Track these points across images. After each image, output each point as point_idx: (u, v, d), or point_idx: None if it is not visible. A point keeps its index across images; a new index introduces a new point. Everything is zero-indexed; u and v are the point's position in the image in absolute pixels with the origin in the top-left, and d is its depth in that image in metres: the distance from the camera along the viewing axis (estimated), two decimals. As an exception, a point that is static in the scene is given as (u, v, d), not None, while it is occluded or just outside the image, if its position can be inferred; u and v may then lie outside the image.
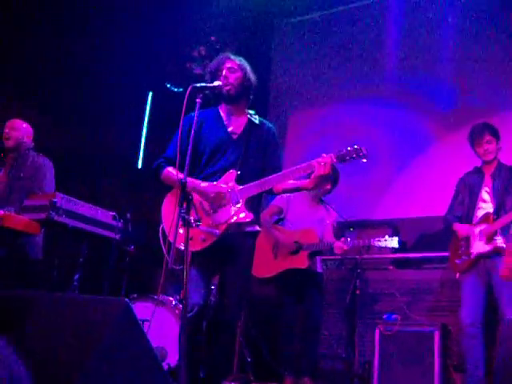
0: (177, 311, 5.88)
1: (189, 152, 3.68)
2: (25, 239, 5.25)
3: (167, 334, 5.59)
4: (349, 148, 3.84)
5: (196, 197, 3.98)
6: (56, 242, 5.48)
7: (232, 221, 3.96)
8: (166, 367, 5.47)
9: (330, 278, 6.70)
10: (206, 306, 4.07)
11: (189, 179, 3.63)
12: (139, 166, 9.00)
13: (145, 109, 9.15)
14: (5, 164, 5.73)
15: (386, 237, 5.66)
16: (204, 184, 4.03)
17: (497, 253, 5.16)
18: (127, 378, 2.76)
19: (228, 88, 4.13)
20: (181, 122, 3.82)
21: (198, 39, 8.32)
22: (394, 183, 7.68)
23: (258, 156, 4.19)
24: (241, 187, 4.00)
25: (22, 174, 5.59)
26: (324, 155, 3.86)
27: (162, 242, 4.06)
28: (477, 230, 5.31)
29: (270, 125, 4.40)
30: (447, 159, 7.15)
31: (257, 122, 4.28)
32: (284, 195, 6.08)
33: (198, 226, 3.58)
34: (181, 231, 3.57)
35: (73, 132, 7.57)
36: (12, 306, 3.06)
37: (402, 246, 6.48)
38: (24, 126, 5.85)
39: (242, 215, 3.97)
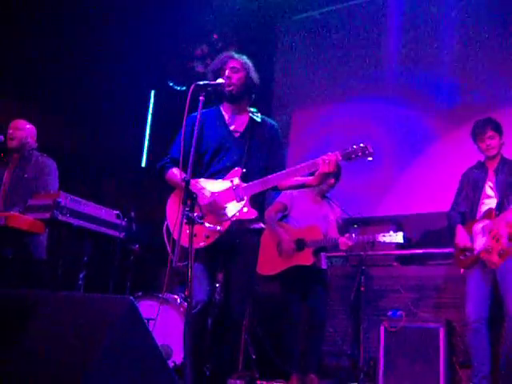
0: (182, 309, 5.89)
1: (192, 151, 3.68)
2: (29, 239, 5.26)
3: (172, 332, 5.60)
4: (354, 146, 3.83)
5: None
6: (60, 241, 5.48)
7: (236, 218, 3.96)
8: (171, 365, 5.48)
9: (335, 274, 6.71)
10: (211, 303, 4.07)
11: (191, 180, 3.64)
12: (143, 164, 9.02)
13: (148, 107, 9.17)
14: (9, 164, 5.74)
15: (391, 232, 5.66)
16: (207, 187, 4.02)
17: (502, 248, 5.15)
18: (132, 376, 2.76)
19: (231, 88, 4.13)
20: (184, 120, 3.83)
21: (201, 38, 8.33)
22: (397, 180, 7.68)
23: (261, 154, 4.19)
24: (245, 184, 4.00)
25: (26, 175, 5.60)
26: (329, 153, 3.86)
27: (166, 240, 4.06)
28: (480, 225, 5.29)
29: (273, 122, 4.40)
30: (450, 155, 7.14)
31: (259, 120, 4.27)
32: (288, 192, 6.08)
33: (201, 223, 3.59)
34: (187, 231, 3.57)
35: (76, 131, 7.58)
36: (17, 306, 3.06)
37: (407, 243, 6.48)
38: (28, 126, 5.86)
39: (245, 212, 3.97)
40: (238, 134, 4.20)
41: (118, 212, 5.63)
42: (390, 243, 5.71)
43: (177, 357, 5.57)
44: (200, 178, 4.07)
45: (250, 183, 4.00)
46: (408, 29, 8.06)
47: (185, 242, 3.51)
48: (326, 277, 6.11)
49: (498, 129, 5.46)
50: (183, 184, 3.56)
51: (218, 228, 3.94)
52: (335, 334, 6.57)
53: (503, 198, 5.27)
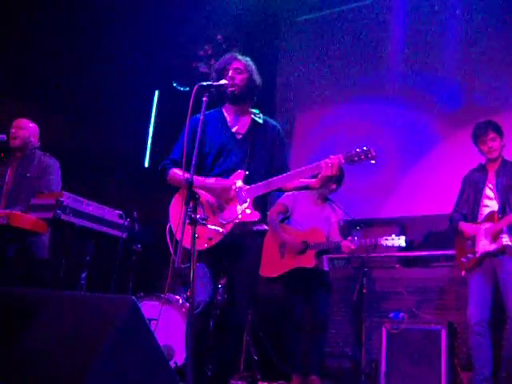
0: (184, 310, 5.89)
1: (195, 153, 3.68)
2: (32, 239, 5.27)
3: (174, 332, 5.60)
4: (357, 149, 3.82)
5: (203, 196, 3.99)
6: (63, 240, 5.48)
7: (238, 220, 3.96)
8: (173, 365, 5.48)
9: (337, 276, 6.69)
10: (213, 304, 4.08)
11: (195, 177, 3.63)
12: (146, 164, 9.02)
13: (151, 108, 9.17)
14: (11, 163, 5.74)
15: (393, 236, 5.65)
16: (210, 180, 4.03)
17: (503, 251, 5.15)
18: (134, 376, 2.76)
19: (233, 89, 4.13)
20: (187, 122, 3.83)
21: (204, 38, 8.33)
22: (400, 182, 7.68)
23: (263, 155, 4.19)
24: (248, 187, 4.00)
25: (28, 174, 5.61)
26: (332, 156, 3.85)
27: (169, 240, 4.06)
28: (482, 228, 5.29)
29: (275, 123, 4.40)
30: (453, 157, 7.14)
31: (260, 121, 4.27)
32: (290, 194, 6.08)
33: (204, 224, 3.59)
34: (187, 228, 3.57)
35: (79, 131, 7.58)
36: (19, 305, 3.07)
37: (409, 245, 6.48)
38: (31, 125, 5.86)
39: (248, 214, 3.97)
40: (240, 135, 4.21)
41: (120, 212, 5.63)
42: (393, 246, 5.70)
43: (179, 357, 5.56)
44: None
45: (253, 185, 4.00)
46: (411, 31, 8.07)
47: (188, 243, 3.52)
48: (328, 279, 6.11)
49: (498, 131, 5.46)
50: (188, 177, 3.56)
51: (221, 230, 3.94)
52: (337, 335, 6.57)
53: (505, 200, 5.27)
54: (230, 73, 4.13)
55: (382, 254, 6.62)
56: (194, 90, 3.73)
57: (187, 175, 3.60)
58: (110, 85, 7.67)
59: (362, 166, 4.04)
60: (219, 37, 8.25)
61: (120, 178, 8.04)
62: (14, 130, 5.75)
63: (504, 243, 5.13)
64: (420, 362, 5.76)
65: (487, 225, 5.26)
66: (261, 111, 4.39)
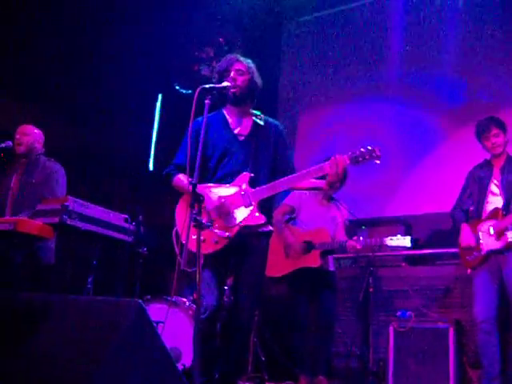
0: (191, 312, 5.90)
1: (198, 156, 3.69)
2: (38, 244, 5.28)
3: (181, 334, 5.62)
4: (362, 149, 3.81)
5: (209, 199, 4.00)
6: (69, 245, 5.50)
7: (244, 223, 3.97)
8: (180, 368, 5.49)
9: (343, 276, 6.69)
10: (220, 307, 4.08)
11: (199, 186, 3.65)
12: (150, 167, 9.03)
13: (155, 111, 9.18)
14: (17, 170, 5.75)
15: (399, 236, 5.64)
16: (212, 194, 4.02)
17: (508, 248, 5.13)
18: (141, 379, 2.77)
19: (235, 90, 4.14)
20: (190, 125, 3.84)
21: (206, 41, 8.34)
22: (405, 180, 7.67)
23: (267, 156, 4.20)
24: (253, 190, 4.01)
25: (33, 180, 5.62)
26: (336, 157, 3.84)
27: (175, 243, 4.07)
28: (486, 225, 5.27)
29: (276, 122, 4.40)
30: (457, 154, 7.13)
31: (262, 123, 4.27)
32: (296, 194, 6.09)
33: (209, 227, 3.60)
34: (194, 237, 3.58)
35: (83, 135, 7.60)
36: (26, 309, 3.08)
37: (415, 243, 6.46)
38: (35, 131, 5.88)
39: (254, 217, 3.98)
40: (243, 137, 4.21)
41: (126, 216, 5.64)
42: (398, 247, 5.69)
43: (186, 359, 5.58)
44: (207, 183, 4.08)
45: (258, 188, 4.01)
46: (412, 29, 8.07)
47: (194, 247, 3.52)
48: (334, 279, 6.10)
49: (502, 126, 5.44)
50: (190, 188, 3.56)
51: (227, 234, 3.95)
52: (344, 335, 6.56)
53: (510, 197, 5.25)
54: (232, 74, 4.14)
55: (388, 253, 6.61)
56: (197, 93, 3.74)
57: (191, 179, 3.61)
58: (114, 88, 7.69)
59: (365, 166, 4.04)
60: (221, 39, 8.26)
61: (125, 182, 8.05)
62: (18, 137, 5.77)
63: (509, 240, 5.11)
64: (428, 360, 5.75)
65: (491, 222, 5.24)
66: (263, 112, 4.40)
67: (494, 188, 5.38)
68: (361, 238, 5.74)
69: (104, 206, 5.50)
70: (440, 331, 5.81)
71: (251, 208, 3.98)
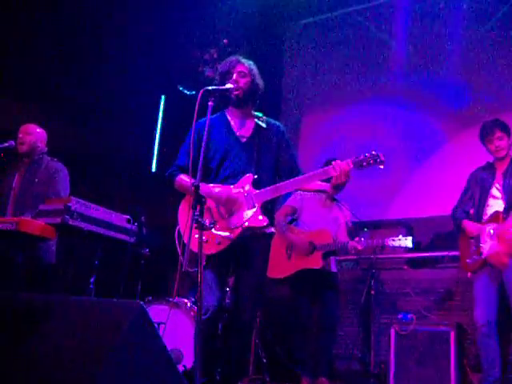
0: (192, 313, 5.90)
1: (201, 157, 3.69)
2: (39, 244, 5.28)
3: (183, 336, 5.62)
4: (366, 154, 3.83)
5: (212, 200, 4.01)
6: (71, 245, 5.50)
7: (247, 225, 3.97)
8: (181, 369, 5.50)
9: (345, 278, 6.70)
10: (221, 308, 4.09)
11: (202, 185, 3.65)
12: (153, 169, 9.04)
13: (158, 112, 9.19)
14: (19, 169, 5.76)
15: (400, 236, 5.64)
16: (217, 189, 4.05)
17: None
18: (142, 380, 2.77)
19: (238, 92, 4.14)
20: (193, 126, 3.85)
21: (210, 42, 8.35)
22: (407, 183, 7.68)
23: (269, 158, 4.20)
24: (257, 191, 4.01)
25: (36, 179, 5.62)
26: (339, 161, 3.85)
27: (177, 244, 4.08)
28: (487, 229, 5.27)
29: (278, 123, 4.41)
30: (460, 157, 7.13)
31: (264, 125, 4.28)
32: (298, 195, 6.10)
33: (211, 228, 3.61)
34: (196, 236, 3.58)
35: (86, 136, 7.61)
36: (28, 310, 3.08)
37: (417, 246, 6.47)
38: (38, 130, 5.88)
39: (257, 219, 3.98)
40: (245, 139, 4.22)
41: (128, 217, 5.64)
42: (400, 247, 5.69)
43: (187, 361, 5.58)
44: (210, 184, 4.09)
45: (262, 190, 4.01)
46: (414, 31, 8.07)
47: (196, 247, 3.53)
48: (336, 280, 6.10)
49: (506, 129, 5.43)
50: (193, 189, 3.57)
51: (230, 235, 3.95)
52: (346, 337, 6.57)
53: (510, 201, 5.24)
54: (234, 76, 4.15)
55: (390, 256, 6.62)
56: (200, 95, 3.75)
57: (194, 180, 3.62)
58: (117, 89, 7.70)
59: (368, 168, 4.04)
60: (224, 41, 8.26)
61: (127, 183, 8.06)
62: (21, 136, 5.77)
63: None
64: (429, 363, 5.75)
65: (492, 225, 5.24)
66: (266, 114, 4.41)
67: (495, 192, 5.37)
68: (362, 239, 5.74)
69: (106, 207, 5.50)
70: (441, 334, 5.81)
71: (254, 210, 3.99)
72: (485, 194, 5.41)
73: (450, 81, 7.64)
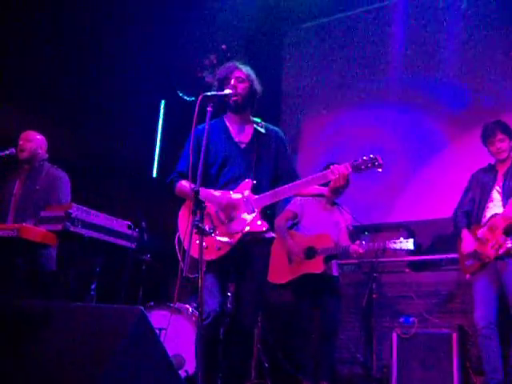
0: (193, 318, 5.90)
1: (201, 163, 3.70)
2: (40, 251, 5.28)
3: (184, 341, 5.61)
4: (364, 157, 3.85)
5: (212, 206, 4.01)
6: (72, 252, 5.50)
7: (247, 230, 3.98)
8: (183, 374, 5.50)
9: (347, 282, 6.69)
10: (223, 313, 4.09)
11: (202, 190, 3.65)
12: (154, 174, 9.04)
13: (158, 117, 9.20)
14: (20, 176, 5.76)
15: (401, 239, 5.64)
16: (217, 193, 4.05)
17: (508, 254, 5.12)
18: (143, 385, 2.78)
19: (236, 98, 4.15)
20: (192, 131, 3.85)
21: (209, 48, 8.36)
22: (408, 186, 7.67)
23: (268, 163, 4.21)
24: (256, 196, 4.02)
25: (37, 186, 5.62)
26: (337, 166, 3.87)
27: (177, 250, 4.08)
28: (485, 231, 5.26)
29: (276, 128, 4.42)
30: (461, 160, 7.13)
31: (263, 130, 4.28)
32: (298, 200, 6.11)
33: (211, 234, 3.61)
34: (197, 241, 3.59)
35: (86, 142, 7.61)
36: (29, 316, 3.09)
37: (418, 249, 6.47)
38: (38, 137, 5.88)
39: (257, 224, 3.99)
40: (244, 145, 4.22)
41: (129, 223, 5.65)
42: (401, 250, 5.69)
43: (189, 366, 5.57)
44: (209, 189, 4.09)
45: (261, 195, 4.02)
46: (414, 34, 8.08)
47: (196, 253, 3.54)
48: (338, 284, 6.10)
49: (507, 131, 5.43)
50: (193, 193, 3.58)
51: (230, 240, 3.96)
52: (347, 341, 6.56)
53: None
54: (232, 81, 4.15)
55: (391, 259, 6.62)
56: (199, 100, 3.76)
57: (193, 186, 3.63)
58: (117, 95, 7.70)
59: (368, 172, 4.05)
60: (224, 46, 8.27)
61: (128, 188, 8.06)
62: (21, 143, 5.77)
63: (509, 245, 5.10)
64: (431, 366, 5.74)
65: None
66: (266, 119, 4.41)
67: (495, 194, 5.37)
68: (363, 243, 5.74)
69: (107, 213, 5.51)
70: (443, 337, 5.81)
71: (254, 215, 3.99)
72: (485, 197, 5.40)
73: (450, 83, 7.64)
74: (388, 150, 7.04)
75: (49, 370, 2.78)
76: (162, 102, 9.27)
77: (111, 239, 5.43)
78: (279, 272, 5.85)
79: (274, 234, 4.21)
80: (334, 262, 6.03)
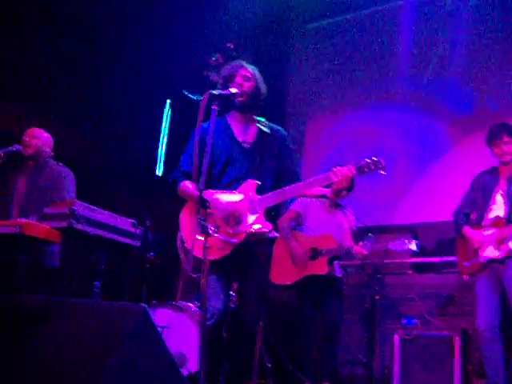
0: (197, 317, 5.90)
1: (206, 163, 3.70)
2: (44, 248, 5.29)
3: (187, 340, 5.61)
4: (367, 160, 3.85)
5: (216, 212, 4.01)
6: (76, 249, 5.51)
7: (251, 231, 3.98)
8: (186, 373, 5.49)
9: (350, 283, 6.69)
10: (226, 313, 4.09)
11: (206, 192, 3.65)
12: (159, 173, 9.05)
13: (163, 116, 9.21)
14: (24, 172, 5.77)
15: (405, 240, 5.64)
16: (221, 198, 4.03)
17: (508, 257, 5.11)
18: (145, 383, 2.78)
19: (242, 98, 4.13)
20: (196, 130, 3.86)
21: (215, 47, 8.36)
22: (412, 188, 7.67)
23: (272, 164, 4.20)
24: (260, 197, 4.02)
25: (41, 183, 5.62)
26: (340, 168, 3.87)
27: (180, 250, 4.09)
28: (487, 233, 5.26)
29: (280, 129, 4.40)
30: (465, 162, 7.13)
31: (267, 129, 4.28)
32: (302, 201, 6.11)
33: (215, 233, 3.62)
34: (199, 238, 3.59)
35: (92, 140, 7.64)
36: (31, 313, 3.09)
37: (421, 251, 6.46)
38: (44, 134, 5.88)
39: (260, 225, 3.99)
40: (248, 145, 4.21)
41: (133, 221, 5.65)
42: (405, 251, 5.69)
43: (192, 365, 5.57)
44: (213, 189, 4.09)
45: (265, 196, 4.02)
46: (420, 36, 8.08)
47: (200, 253, 3.54)
48: (341, 285, 6.10)
49: None
50: (197, 193, 3.58)
51: (233, 240, 3.96)
52: (350, 342, 6.56)
53: None
54: (238, 80, 4.14)
55: (395, 261, 6.62)
56: (205, 99, 3.76)
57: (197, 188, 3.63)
58: (122, 94, 7.72)
59: (373, 173, 4.05)
60: (230, 45, 8.27)
61: (133, 187, 8.07)
62: (27, 139, 5.76)
63: (510, 248, 5.09)
64: (433, 368, 5.75)
65: (492, 230, 5.22)
66: (271, 119, 4.41)
67: (498, 197, 5.35)
68: (367, 244, 5.74)
69: (111, 211, 5.51)
70: (445, 339, 5.81)
71: (257, 215, 3.99)
72: (488, 199, 5.39)
73: (456, 85, 7.64)
74: (393, 152, 7.05)
75: (50, 366, 2.79)
76: (168, 100, 9.27)
77: (115, 237, 5.43)
78: (283, 273, 5.85)
79: (277, 234, 4.21)
80: (336, 263, 6.03)
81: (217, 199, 4.01)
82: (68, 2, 7.22)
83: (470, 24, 7.68)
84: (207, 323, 3.70)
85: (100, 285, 5.53)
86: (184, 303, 6.11)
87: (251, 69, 4.23)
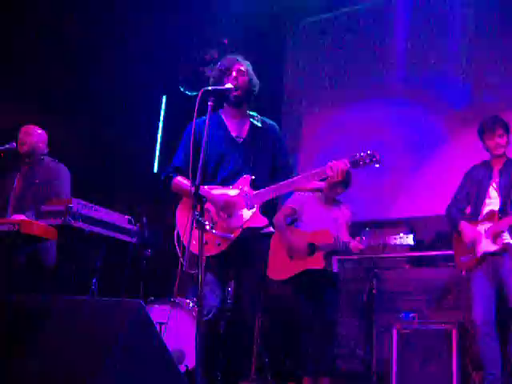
0: (194, 313, 5.90)
1: (201, 158, 3.69)
2: (40, 245, 5.29)
3: (185, 335, 5.62)
4: (362, 153, 3.85)
5: (211, 206, 4.01)
6: (73, 246, 5.51)
7: (246, 226, 3.98)
8: (183, 369, 5.50)
9: (347, 277, 6.70)
10: (223, 309, 4.10)
11: (201, 188, 3.65)
12: (155, 169, 9.05)
13: (159, 113, 9.20)
14: (20, 169, 5.77)
15: (401, 234, 5.64)
16: (215, 192, 4.04)
17: (504, 250, 5.12)
18: (142, 379, 2.78)
19: (237, 93, 4.13)
20: (192, 126, 3.85)
21: (211, 43, 8.36)
22: (408, 182, 7.67)
23: (266, 158, 4.21)
24: (255, 192, 4.02)
25: (37, 180, 5.62)
26: (334, 161, 3.87)
27: (177, 247, 4.08)
28: (482, 227, 5.26)
29: (272, 122, 4.41)
30: (462, 157, 7.12)
31: (259, 124, 4.28)
32: (298, 196, 6.09)
33: (211, 229, 3.62)
34: (195, 234, 3.59)
35: (88, 136, 7.62)
36: (29, 310, 3.09)
37: (418, 245, 6.47)
38: (39, 131, 5.88)
39: (257, 220, 3.99)
40: (241, 139, 4.22)
41: (129, 217, 5.66)
42: (402, 245, 5.69)
43: (189, 360, 5.58)
44: (207, 185, 4.09)
45: (260, 191, 4.02)
46: (416, 30, 8.08)
47: (196, 249, 3.54)
48: (338, 280, 6.10)
49: (506, 127, 5.42)
50: (193, 189, 3.57)
51: (230, 236, 3.96)
52: (348, 336, 6.57)
53: (506, 200, 5.23)
54: (234, 74, 4.14)
55: (392, 255, 6.63)
56: (200, 95, 3.75)
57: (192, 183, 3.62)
58: (118, 90, 7.71)
59: (370, 168, 4.05)
60: (225, 41, 8.27)
61: (129, 184, 8.06)
62: (22, 136, 5.77)
63: (505, 241, 5.09)
64: (431, 362, 5.75)
65: (487, 224, 5.23)
66: (267, 115, 4.41)
67: (492, 190, 5.35)
68: (364, 238, 5.74)
69: (108, 208, 5.51)
70: (443, 333, 5.81)
71: (253, 210, 3.99)
72: (482, 194, 5.39)
73: (452, 80, 7.64)
74: (390, 146, 7.05)
75: (47, 364, 2.79)
76: (164, 97, 9.27)
77: (112, 234, 5.45)
78: (280, 268, 5.84)
79: (272, 229, 4.22)
80: (334, 257, 6.03)
81: (212, 195, 4.01)
82: (66, 1, 7.21)
83: (467, 17, 7.67)
84: (204, 319, 3.70)
85: (97, 281, 5.54)
86: (181, 299, 6.12)
87: (245, 63, 4.23)
